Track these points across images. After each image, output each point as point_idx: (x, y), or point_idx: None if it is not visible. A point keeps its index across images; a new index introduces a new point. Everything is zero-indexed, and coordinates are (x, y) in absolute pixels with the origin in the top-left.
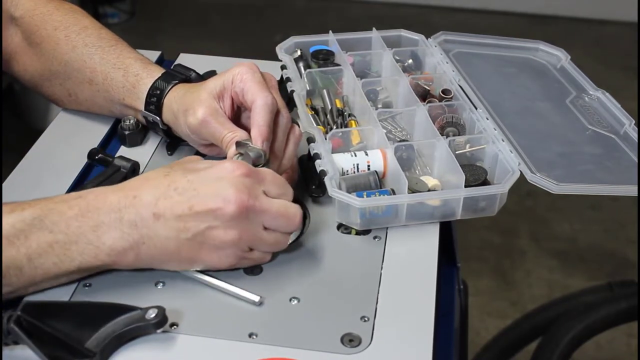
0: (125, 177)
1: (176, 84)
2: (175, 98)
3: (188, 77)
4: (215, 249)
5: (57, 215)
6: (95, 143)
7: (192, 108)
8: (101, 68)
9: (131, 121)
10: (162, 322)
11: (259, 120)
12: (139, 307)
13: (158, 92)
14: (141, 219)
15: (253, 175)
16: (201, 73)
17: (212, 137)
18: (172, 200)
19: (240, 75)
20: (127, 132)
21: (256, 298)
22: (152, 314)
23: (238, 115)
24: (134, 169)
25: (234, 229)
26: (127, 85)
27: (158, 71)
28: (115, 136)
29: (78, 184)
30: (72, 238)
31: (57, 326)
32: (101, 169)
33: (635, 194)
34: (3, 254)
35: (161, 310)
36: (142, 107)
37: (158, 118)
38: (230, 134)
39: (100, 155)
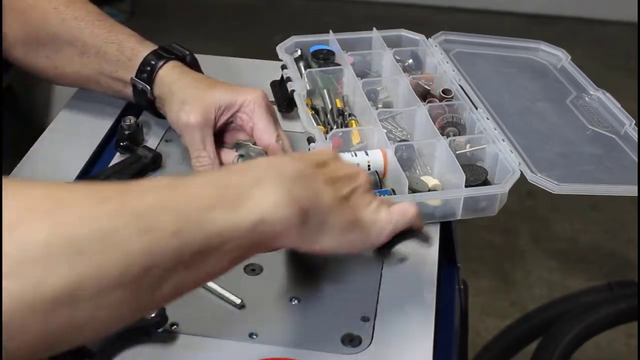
0: (145, 167)
1: (172, 59)
2: (174, 78)
3: (184, 55)
4: (367, 205)
5: (206, 177)
6: (95, 143)
7: (190, 106)
8: (92, 41)
9: (131, 121)
10: (162, 322)
11: None
12: None
13: (153, 62)
14: (300, 176)
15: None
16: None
17: (188, 143)
18: (312, 165)
19: (252, 105)
20: (127, 132)
21: (237, 300)
22: (152, 313)
23: (223, 128)
24: (154, 160)
25: (369, 191)
26: (123, 59)
27: (154, 46)
28: (115, 136)
29: None
30: (240, 190)
31: None
32: (100, 167)
33: (635, 194)
34: (173, 202)
35: (161, 310)
36: (133, 76)
37: (148, 87)
38: (204, 155)
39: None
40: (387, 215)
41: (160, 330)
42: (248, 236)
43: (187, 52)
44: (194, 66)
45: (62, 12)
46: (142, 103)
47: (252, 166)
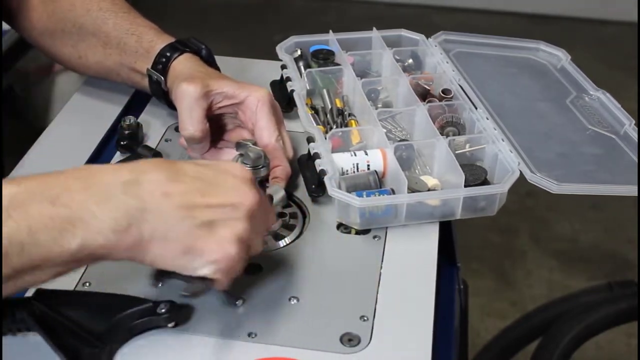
0: None
1: (187, 51)
2: (185, 66)
3: (199, 49)
4: (223, 241)
5: (59, 188)
6: (94, 143)
7: (193, 79)
8: (115, 33)
9: (131, 120)
10: (172, 317)
11: (278, 162)
12: (151, 300)
13: (168, 54)
14: (149, 195)
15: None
16: None
17: (179, 109)
18: (184, 184)
19: (256, 102)
20: (127, 132)
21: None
22: (163, 308)
23: (218, 117)
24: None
25: (247, 223)
26: (141, 50)
27: (172, 39)
28: (115, 135)
29: None
30: (76, 212)
31: (69, 315)
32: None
33: (636, 194)
34: (4, 225)
35: (172, 304)
36: (149, 67)
37: (162, 78)
38: (187, 127)
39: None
40: (227, 263)
41: (171, 324)
42: (70, 258)
43: (203, 46)
44: (209, 60)
45: (88, 2)
46: (158, 94)
47: (102, 182)
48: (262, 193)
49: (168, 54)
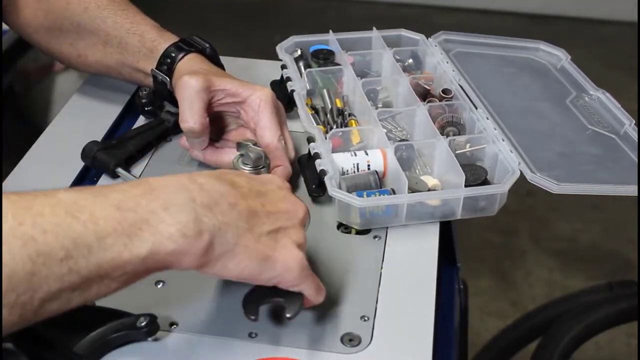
0: (167, 131)
1: (192, 51)
2: (189, 65)
3: (204, 48)
4: (290, 247)
5: (121, 193)
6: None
7: (197, 73)
8: (115, 32)
9: (148, 90)
10: (152, 331)
11: (279, 162)
12: (132, 314)
13: (173, 54)
14: (215, 204)
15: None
16: None
17: (181, 102)
18: (243, 193)
19: (258, 102)
20: (144, 101)
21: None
22: (143, 321)
23: (221, 116)
24: (177, 124)
25: (302, 230)
26: (144, 50)
27: (174, 38)
28: (114, 136)
29: (78, 184)
30: (143, 216)
31: (45, 328)
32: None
33: (636, 194)
34: (68, 227)
35: (152, 318)
36: (153, 68)
37: (168, 79)
38: (187, 120)
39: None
40: (301, 268)
41: (151, 338)
42: (140, 264)
43: (207, 45)
44: (214, 58)
45: (85, 0)
46: (163, 94)
47: (166, 187)
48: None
49: (173, 55)
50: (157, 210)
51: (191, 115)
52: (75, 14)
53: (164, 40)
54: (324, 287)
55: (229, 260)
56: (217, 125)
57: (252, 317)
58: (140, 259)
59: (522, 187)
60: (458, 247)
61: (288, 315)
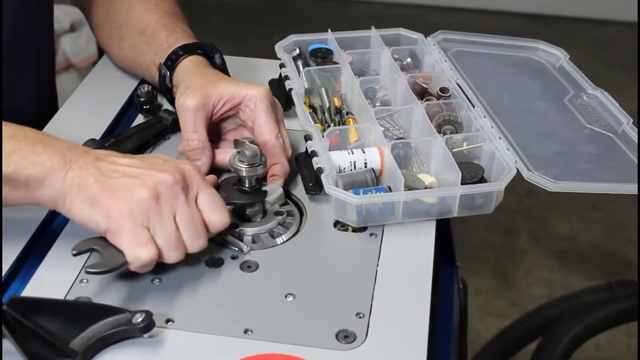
0: (166, 129)
1: (199, 54)
2: (190, 70)
3: (213, 54)
4: (122, 197)
5: (22, 133)
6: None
7: (191, 90)
8: (154, 24)
9: (147, 88)
10: (148, 327)
11: (277, 160)
12: (128, 310)
13: (180, 53)
14: (83, 157)
15: (201, 178)
16: None
17: (182, 125)
18: (117, 158)
19: (255, 100)
20: (142, 99)
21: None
22: (139, 317)
23: (219, 122)
24: (175, 122)
25: (149, 190)
26: (165, 45)
27: (193, 40)
28: (113, 134)
29: None
30: (24, 145)
31: (42, 324)
32: None
33: (635, 192)
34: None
35: (148, 315)
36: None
37: (168, 73)
38: (194, 138)
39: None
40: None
41: (147, 335)
42: (7, 179)
43: (218, 53)
44: (221, 67)
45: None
46: (163, 89)
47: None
48: (194, 188)
49: (180, 53)
50: (37, 143)
51: (196, 135)
52: (138, 19)
53: (184, 41)
54: (153, 249)
55: (73, 197)
56: (216, 126)
57: (73, 252)
58: (6, 174)
59: (521, 187)
60: (457, 247)
61: (88, 270)
